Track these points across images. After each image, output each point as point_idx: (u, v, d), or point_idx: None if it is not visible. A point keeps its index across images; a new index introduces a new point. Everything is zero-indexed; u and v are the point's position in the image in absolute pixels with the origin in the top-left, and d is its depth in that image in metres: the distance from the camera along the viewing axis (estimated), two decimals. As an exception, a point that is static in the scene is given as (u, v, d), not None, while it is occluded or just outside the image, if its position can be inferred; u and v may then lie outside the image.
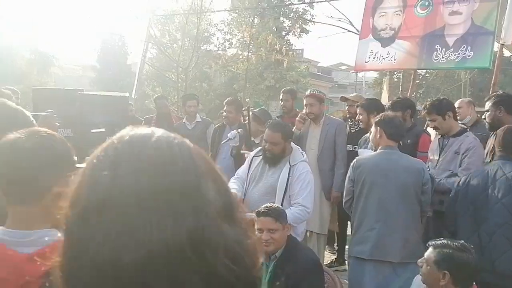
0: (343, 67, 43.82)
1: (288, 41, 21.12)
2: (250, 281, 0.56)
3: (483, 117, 4.25)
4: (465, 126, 4.56)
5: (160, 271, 0.50)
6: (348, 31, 11.08)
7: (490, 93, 5.30)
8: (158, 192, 0.53)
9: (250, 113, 4.46)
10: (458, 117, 4.87)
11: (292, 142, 3.40)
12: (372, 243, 2.93)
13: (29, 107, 5.32)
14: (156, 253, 0.50)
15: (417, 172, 2.93)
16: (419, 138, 3.76)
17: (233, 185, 3.36)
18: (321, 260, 4.16)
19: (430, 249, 2.20)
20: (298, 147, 3.44)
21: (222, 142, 4.71)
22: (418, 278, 2.33)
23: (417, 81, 7.94)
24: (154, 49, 23.99)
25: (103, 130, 2.23)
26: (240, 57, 23.25)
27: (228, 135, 4.47)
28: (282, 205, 3.15)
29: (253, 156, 3.44)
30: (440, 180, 3.33)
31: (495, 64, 5.04)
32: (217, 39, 24.78)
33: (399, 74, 8.10)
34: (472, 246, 2.21)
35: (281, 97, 5.07)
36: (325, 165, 4.12)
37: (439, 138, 3.51)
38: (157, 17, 18.49)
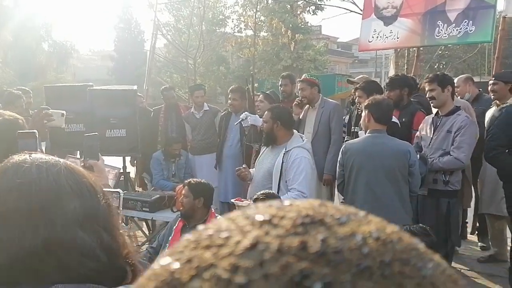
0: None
1: (303, 20, 20.88)
2: (116, 270, 0.74)
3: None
4: (467, 102, 4.58)
5: (25, 269, 0.68)
6: (351, 11, 10.90)
7: (495, 67, 5.27)
8: (20, 210, 0.71)
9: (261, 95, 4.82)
10: (457, 95, 4.91)
11: (294, 129, 3.51)
12: (361, 225, 3.03)
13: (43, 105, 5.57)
14: (19, 257, 0.68)
15: (403, 155, 3.00)
16: (414, 116, 3.80)
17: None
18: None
19: None
20: (300, 133, 3.54)
21: (235, 124, 4.88)
22: None
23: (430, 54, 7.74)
24: (169, 35, 24.21)
25: (96, 133, 2.40)
26: (249, 40, 23.16)
27: (241, 116, 4.63)
28: (278, 190, 3.29)
29: (261, 144, 3.60)
30: (433, 160, 3.39)
31: (498, 37, 4.97)
32: (232, 21, 24.75)
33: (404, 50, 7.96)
34: None
35: (280, 82, 5.16)
36: (319, 148, 4.18)
37: (433, 117, 3.55)
38: (167, 4, 18.59)
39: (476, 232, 5.06)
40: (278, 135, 3.37)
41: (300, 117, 4.59)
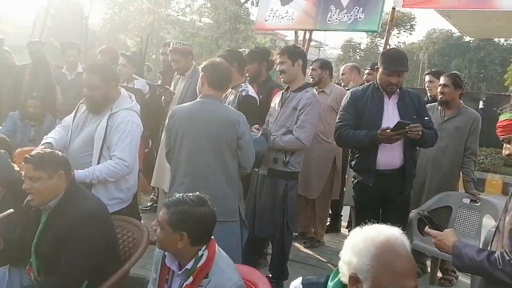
0: (312, 43, 43.70)
1: (246, 10, 20.55)
2: None
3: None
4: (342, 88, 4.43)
5: None
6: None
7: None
8: None
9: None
10: (342, 83, 4.78)
11: (123, 88, 3.11)
12: (180, 199, 2.69)
13: None
14: None
15: (230, 124, 2.67)
16: (271, 92, 3.52)
17: (52, 134, 3.05)
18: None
19: (163, 209, 1.92)
20: (130, 93, 3.11)
21: None
22: None
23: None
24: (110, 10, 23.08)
25: None
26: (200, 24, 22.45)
27: None
28: (100, 156, 2.88)
29: (80, 103, 3.12)
30: (275, 138, 3.12)
31: (387, 29, 4.86)
32: (177, 3, 24.02)
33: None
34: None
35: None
36: None
37: (282, 92, 3.30)
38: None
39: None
40: (110, 97, 2.94)
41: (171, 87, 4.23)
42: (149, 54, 18.85)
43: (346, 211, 5.00)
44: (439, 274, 3.79)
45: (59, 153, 2.40)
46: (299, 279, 1.53)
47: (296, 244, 4.36)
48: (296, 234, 4.43)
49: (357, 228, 1.37)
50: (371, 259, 1.27)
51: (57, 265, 2.21)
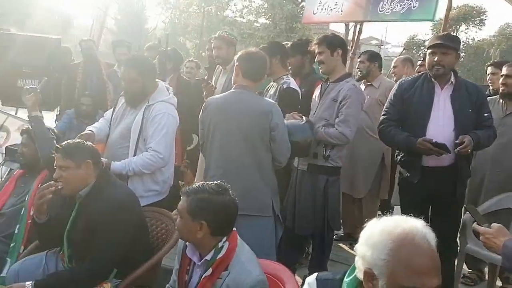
0: (373, 42, 42.32)
1: (303, 8, 20.34)
2: None
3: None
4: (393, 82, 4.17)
5: None
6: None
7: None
8: None
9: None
10: (394, 76, 4.53)
11: (160, 80, 3.11)
12: (212, 192, 2.64)
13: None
14: None
15: (263, 115, 2.57)
16: (314, 85, 3.37)
17: (94, 124, 3.13)
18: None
19: (183, 197, 1.85)
20: (167, 85, 3.11)
21: None
22: None
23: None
24: (168, 13, 23.85)
25: (36, 87, 2.17)
26: (257, 24, 22.56)
27: None
28: (136, 149, 2.89)
29: (120, 96, 3.17)
30: (319, 127, 2.95)
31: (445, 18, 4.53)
32: (235, 5, 24.33)
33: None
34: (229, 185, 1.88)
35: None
36: None
37: (322, 84, 3.14)
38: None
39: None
40: (148, 90, 2.95)
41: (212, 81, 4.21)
42: (199, 52, 19.24)
43: (398, 213, 4.73)
44: (499, 283, 3.45)
45: (88, 142, 2.43)
46: (314, 275, 1.41)
47: (341, 245, 4.17)
48: (342, 234, 4.26)
49: (374, 219, 1.23)
50: (387, 253, 1.13)
51: (87, 253, 2.24)
